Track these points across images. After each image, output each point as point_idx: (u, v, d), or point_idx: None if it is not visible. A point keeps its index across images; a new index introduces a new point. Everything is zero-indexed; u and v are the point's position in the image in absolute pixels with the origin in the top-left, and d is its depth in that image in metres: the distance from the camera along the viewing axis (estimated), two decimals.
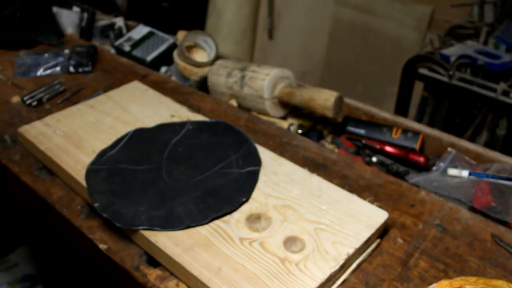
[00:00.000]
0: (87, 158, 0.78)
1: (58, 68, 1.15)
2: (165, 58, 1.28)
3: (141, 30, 1.35)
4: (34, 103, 1.00)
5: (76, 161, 0.78)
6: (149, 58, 1.27)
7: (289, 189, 0.73)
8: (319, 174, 0.78)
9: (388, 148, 0.97)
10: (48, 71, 1.14)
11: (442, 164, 0.88)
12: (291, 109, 1.08)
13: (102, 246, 0.68)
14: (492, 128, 1.45)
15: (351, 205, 0.70)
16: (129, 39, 1.33)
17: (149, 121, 0.88)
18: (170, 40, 1.31)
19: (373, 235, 0.66)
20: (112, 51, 1.34)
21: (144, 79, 1.09)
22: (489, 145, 1.45)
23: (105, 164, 0.76)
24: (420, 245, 0.68)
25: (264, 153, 0.81)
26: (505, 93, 1.31)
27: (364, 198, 0.73)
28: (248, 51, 2.61)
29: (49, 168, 0.82)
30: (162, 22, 1.56)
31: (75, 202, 0.76)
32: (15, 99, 1.03)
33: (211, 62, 1.18)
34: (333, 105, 0.95)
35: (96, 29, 1.44)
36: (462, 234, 0.70)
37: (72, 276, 1.07)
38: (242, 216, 0.68)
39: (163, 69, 1.26)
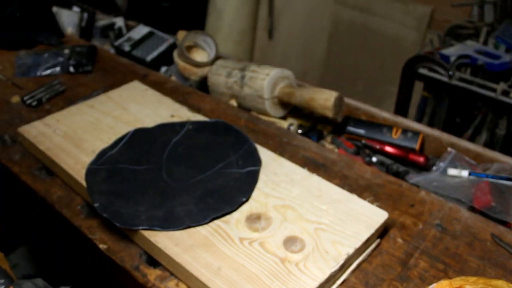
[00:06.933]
0: (87, 158, 0.78)
1: (58, 68, 1.15)
2: (165, 58, 1.28)
3: (141, 30, 1.35)
4: (34, 103, 1.00)
5: (76, 161, 0.78)
6: (149, 58, 1.27)
7: (289, 189, 0.73)
8: (319, 174, 0.77)
9: (388, 148, 0.97)
10: (48, 71, 1.14)
11: (442, 164, 0.88)
12: (291, 109, 1.08)
13: (102, 246, 0.68)
14: (492, 128, 1.44)
15: (351, 205, 0.70)
16: (129, 39, 1.33)
17: (149, 121, 0.88)
18: (170, 40, 1.31)
19: (373, 235, 0.66)
20: (112, 51, 1.34)
21: (144, 79, 1.09)
22: (489, 145, 1.45)
23: (105, 164, 0.76)
24: (420, 245, 0.68)
25: (264, 153, 0.81)
26: (505, 93, 1.31)
27: (364, 198, 0.73)
28: (248, 51, 2.61)
29: (49, 168, 0.82)
30: (162, 22, 1.56)
31: (75, 202, 0.76)
32: (15, 99, 1.03)
33: (211, 62, 1.18)
34: (333, 105, 0.95)
35: (96, 29, 1.44)
36: (462, 234, 0.70)
37: (72, 276, 1.06)
38: (242, 216, 0.68)
39: (163, 69, 1.26)
